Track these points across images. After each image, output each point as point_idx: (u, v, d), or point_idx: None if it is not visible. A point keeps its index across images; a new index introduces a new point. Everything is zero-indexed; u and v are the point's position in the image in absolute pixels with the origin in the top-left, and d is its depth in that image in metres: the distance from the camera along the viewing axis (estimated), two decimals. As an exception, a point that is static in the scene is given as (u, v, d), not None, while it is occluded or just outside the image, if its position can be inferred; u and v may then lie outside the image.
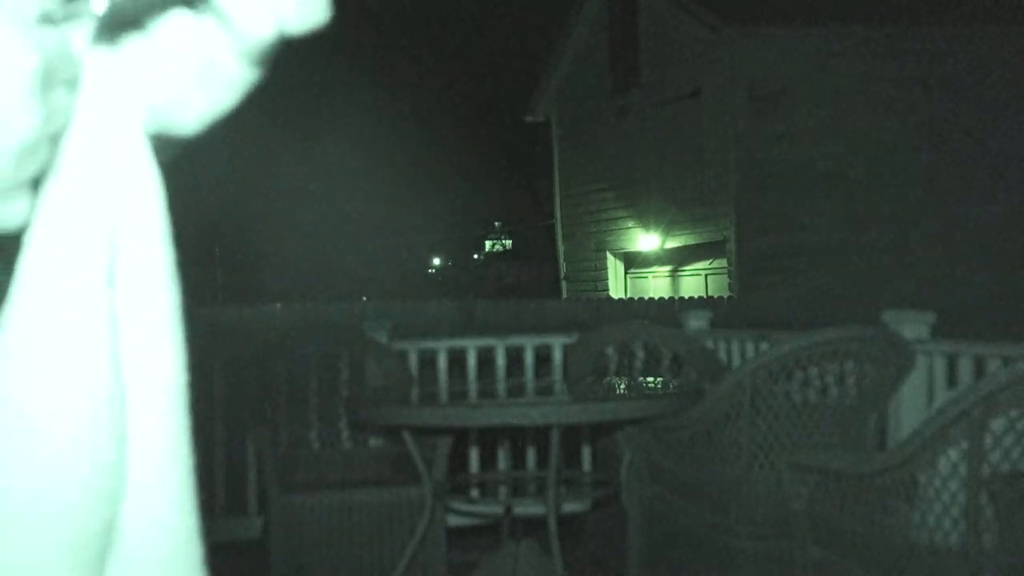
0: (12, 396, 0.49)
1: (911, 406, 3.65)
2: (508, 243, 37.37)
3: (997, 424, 2.27)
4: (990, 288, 11.91)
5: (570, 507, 4.12)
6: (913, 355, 3.45)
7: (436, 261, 38.69)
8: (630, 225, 15.20)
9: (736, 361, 4.47)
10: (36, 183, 0.47)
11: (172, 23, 0.52)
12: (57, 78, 0.45)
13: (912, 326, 3.70)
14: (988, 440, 2.25)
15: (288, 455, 3.83)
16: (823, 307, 8.67)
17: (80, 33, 0.50)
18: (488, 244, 38.34)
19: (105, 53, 0.52)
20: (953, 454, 2.30)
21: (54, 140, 0.47)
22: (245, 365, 4.10)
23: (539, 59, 17.30)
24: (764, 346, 4.22)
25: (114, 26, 0.52)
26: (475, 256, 38.34)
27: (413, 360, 4.52)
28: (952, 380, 3.64)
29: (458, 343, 4.74)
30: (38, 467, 0.48)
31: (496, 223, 37.31)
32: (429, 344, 4.67)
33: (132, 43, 0.53)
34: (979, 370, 3.52)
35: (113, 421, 0.51)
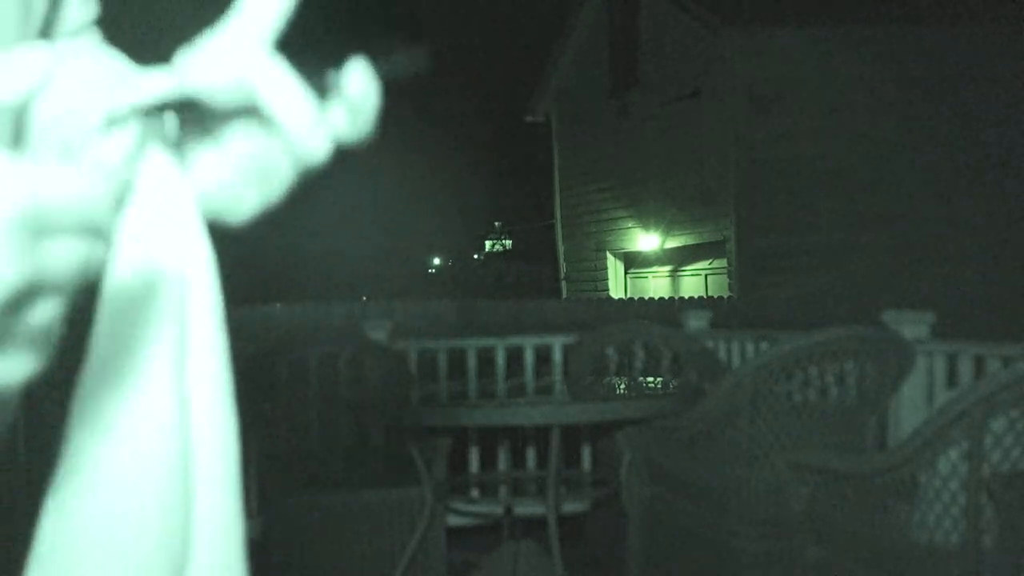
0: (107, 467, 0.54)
1: (911, 406, 3.65)
2: (508, 243, 37.37)
3: (997, 424, 2.26)
4: (990, 288, 11.91)
5: (570, 507, 4.12)
6: (913, 355, 3.45)
7: (436, 261, 38.69)
8: (630, 225, 15.20)
9: (736, 361, 4.47)
10: (34, 341, 0.43)
11: (239, 134, 0.56)
12: (56, 227, 0.41)
13: (912, 326, 3.70)
14: (988, 440, 2.24)
15: (288, 455, 3.83)
16: (823, 307, 8.68)
17: (114, 151, 0.53)
18: (488, 244, 38.35)
19: (175, 159, 0.57)
20: (953, 454, 2.30)
21: (61, 293, 0.43)
22: (245, 365, 4.10)
23: (539, 59, 17.30)
24: (764, 346, 4.22)
25: (186, 135, 0.56)
26: (475, 256, 38.34)
27: (413, 360, 4.51)
28: (952, 380, 3.64)
29: (458, 343, 4.74)
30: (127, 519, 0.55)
31: (496, 223, 37.32)
32: (429, 344, 4.67)
33: (202, 151, 0.57)
34: (979, 370, 3.52)
35: (180, 488, 0.57)
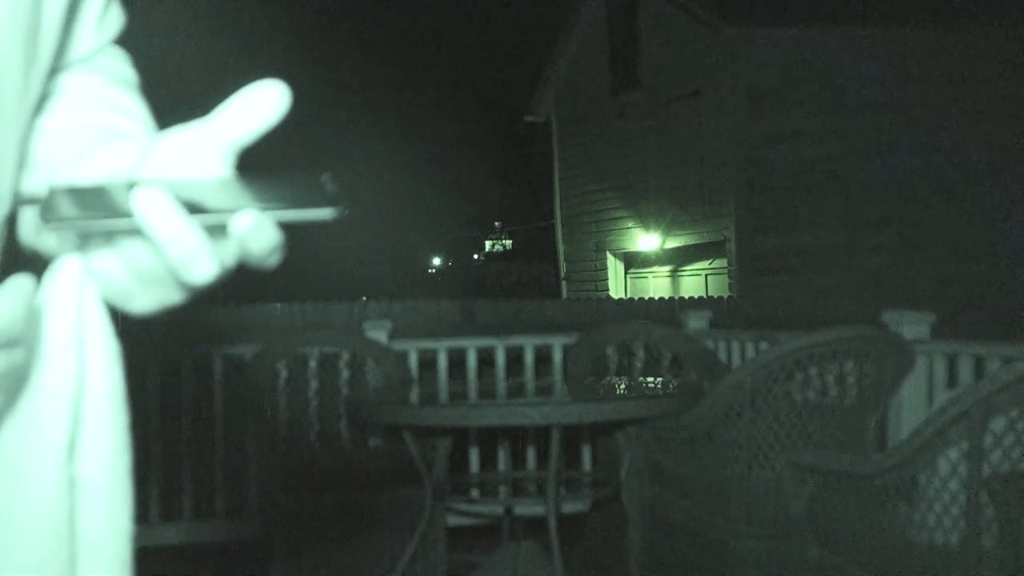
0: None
1: (911, 406, 3.65)
2: (508, 243, 37.38)
3: (997, 424, 2.26)
4: (990, 288, 11.91)
5: (570, 507, 4.12)
6: (913, 355, 3.45)
7: (436, 261, 38.69)
8: (630, 225, 15.20)
9: (736, 361, 4.48)
10: None
11: (135, 245, 0.58)
12: None
13: (912, 326, 3.71)
14: (988, 440, 2.24)
15: (288, 455, 3.83)
16: (823, 307, 8.68)
17: (47, 240, 0.61)
18: (488, 244, 38.35)
19: (76, 260, 0.61)
20: (953, 454, 2.30)
21: None
22: (245, 365, 4.10)
23: (539, 59, 17.30)
24: (764, 346, 4.22)
25: (85, 236, 0.60)
26: (475, 256, 38.35)
27: (413, 360, 4.51)
28: (952, 380, 3.64)
29: (458, 343, 4.73)
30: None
31: (496, 223, 37.32)
32: (429, 344, 4.67)
33: (99, 252, 0.60)
34: (979, 370, 3.52)
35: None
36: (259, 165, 0.58)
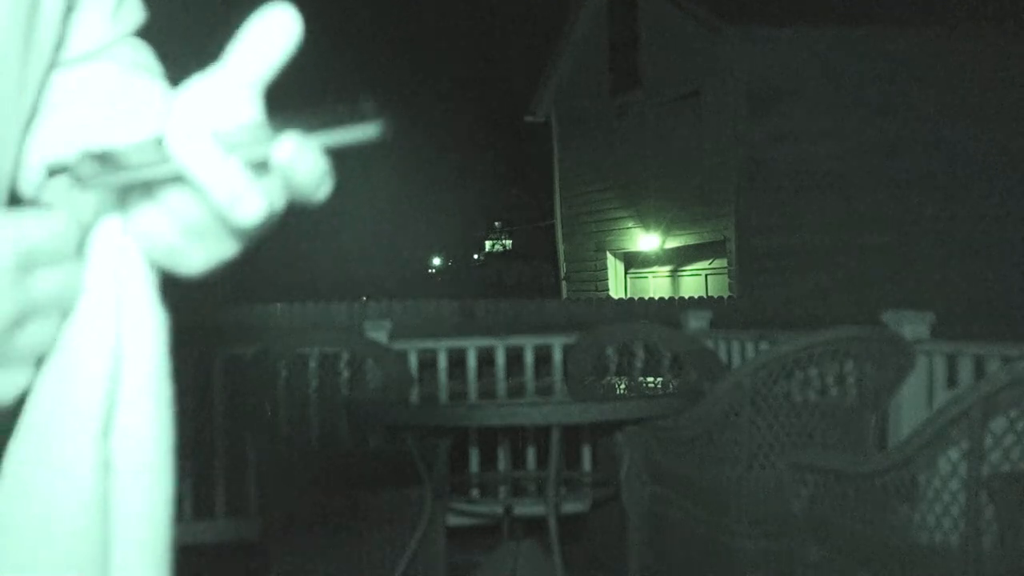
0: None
1: (911, 406, 3.65)
2: (508, 243, 37.38)
3: (997, 424, 2.26)
4: (990, 288, 11.91)
5: (570, 507, 4.12)
6: (913, 355, 3.45)
7: (436, 261, 38.69)
8: (630, 225, 15.20)
9: (736, 361, 4.47)
10: (27, 361, 0.52)
11: (177, 193, 0.55)
12: (39, 262, 0.50)
13: (912, 326, 3.70)
14: (988, 440, 2.24)
15: (288, 455, 3.83)
16: (823, 307, 8.68)
17: (85, 198, 0.56)
18: (488, 244, 38.35)
19: (116, 218, 0.57)
20: (953, 454, 2.30)
21: (48, 314, 0.52)
22: (245, 365, 4.10)
23: (539, 59, 17.30)
24: (764, 346, 4.22)
25: (125, 192, 0.56)
26: (475, 256, 38.34)
27: (413, 360, 4.51)
28: (952, 380, 3.64)
29: (458, 343, 4.73)
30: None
31: (496, 223, 37.32)
32: (429, 344, 4.67)
33: (141, 209, 0.57)
34: (979, 370, 3.52)
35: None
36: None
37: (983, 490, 2.23)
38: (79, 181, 0.53)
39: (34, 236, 0.50)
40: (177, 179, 0.53)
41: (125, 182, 0.53)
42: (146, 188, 0.56)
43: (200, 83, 0.54)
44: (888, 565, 2.42)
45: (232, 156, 0.51)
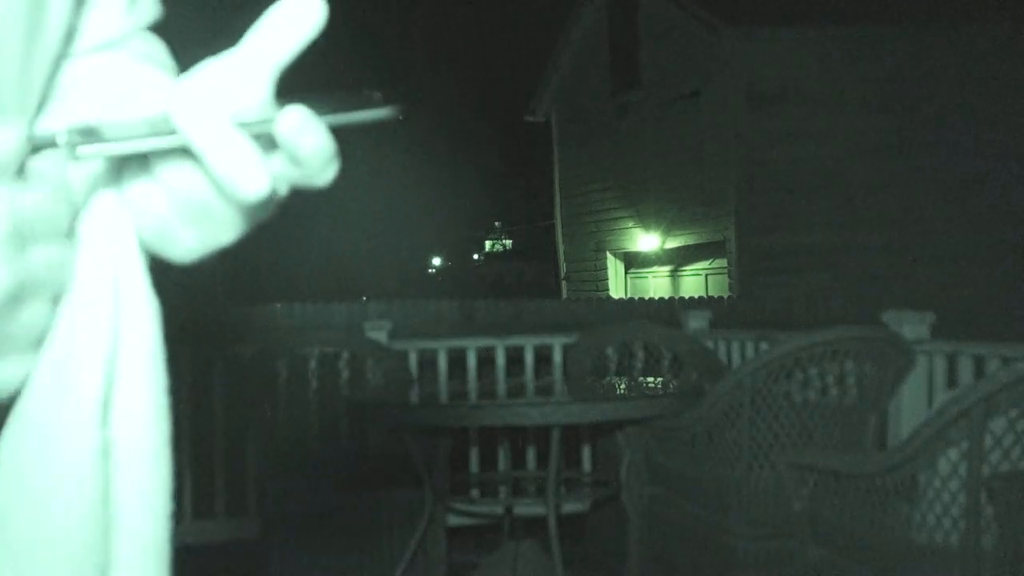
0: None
1: (911, 406, 3.65)
2: (508, 243, 37.40)
3: (997, 424, 2.26)
4: (990, 288, 11.91)
5: (570, 507, 4.12)
6: (913, 355, 3.45)
7: (436, 261, 38.70)
8: (630, 225, 15.20)
9: (736, 361, 4.47)
10: (28, 344, 0.51)
11: (173, 168, 0.53)
12: (34, 235, 0.49)
13: (912, 326, 3.71)
14: (988, 440, 2.24)
15: (289, 455, 3.83)
16: (823, 307, 8.66)
17: (77, 175, 0.54)
18: (488, 244, 38.37)
19: (111, 194, 0.56)
20: (953, 454, 2.30)
21: (44, 295, 0.50)
22: (245, 365, 4.10)
23: (539, 59, 17.30)
24: (764, 346, 4.22)
25: (120, 170, 0.55)
26: (475, 256, 38.36)
27: (413, 360, 4.51)
28: (952, 380, 3.64)
29: (458, 343, 4.73)
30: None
31: (496, 223, 37.35)
32: (429, 344, 4.67)
33: (136, 184, 0.55)
34: (979, 370, 3.52)
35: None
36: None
37: (983, 490, 2.23)
38: (69, 155, 0.50)
39: (25, 208, 0.48)
40: (176, 153, 0.51)
41: (116, 154, 0.51)
42: (142, 163, 0.54)
43: (214, 64, 0.53)
44: (888, 565, 2.42)
45: (238, 128, 0.50)
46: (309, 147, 0.50)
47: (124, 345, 0.56)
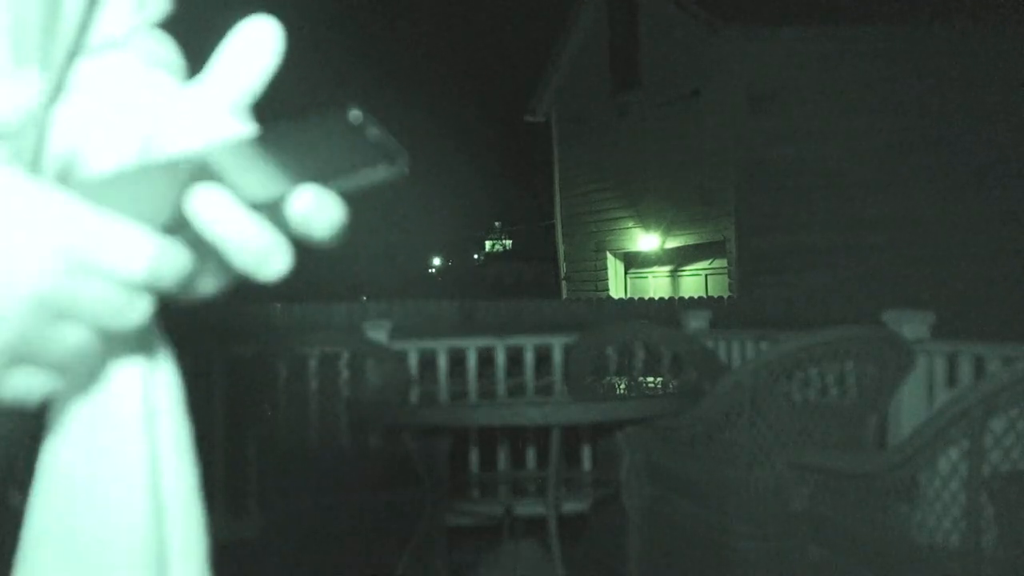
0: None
1: (911, 406, 3.65)
2: (508, 243, 37.42)
3: (997, 424, 2.26)
4: (990, 288, 11.91)
5: (570, 507, 4.12)
6: (913, 355, 3.45)
7: (436, 261, 38.71)
8: (630, 225, 15.20)
9: (736, 361, 4.47)
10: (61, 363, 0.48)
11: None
12: (87, 266, 0.45)
13: (912, 326, 3.70)
14: (988, 440, 2.25)
15: (289, 455, 3.83)
16: (823, 307, 8.67)
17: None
18: (488, 244, 38.39)
19: None
20: (953, 454, 2.30)
21: (85, 322, 0.47)
22: (245, 365, 4.10)
23: (539, 59, 17.30)
24: (764, 346, 4.22)
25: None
26: (475, 256, 38.39)
27: (413, 360, 4.51)
28: (952, 380, 3.64)
29: (458, 343, 4.73)
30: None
31: (496, 223, 37.37)
32: (429, 344, 4.67)
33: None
34: (979, 370, 3.52)
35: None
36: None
37: (983, 490, 2.23)
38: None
39: (97, 238, 0.45)
40: (196, 239, 0.50)
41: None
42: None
43: (184, 101, 0.52)
44: (888, 565, 2.42)
45: (256, 215, 0.49)
46: (323, 223, 0.50)
47: (157, 403, 0.58)
